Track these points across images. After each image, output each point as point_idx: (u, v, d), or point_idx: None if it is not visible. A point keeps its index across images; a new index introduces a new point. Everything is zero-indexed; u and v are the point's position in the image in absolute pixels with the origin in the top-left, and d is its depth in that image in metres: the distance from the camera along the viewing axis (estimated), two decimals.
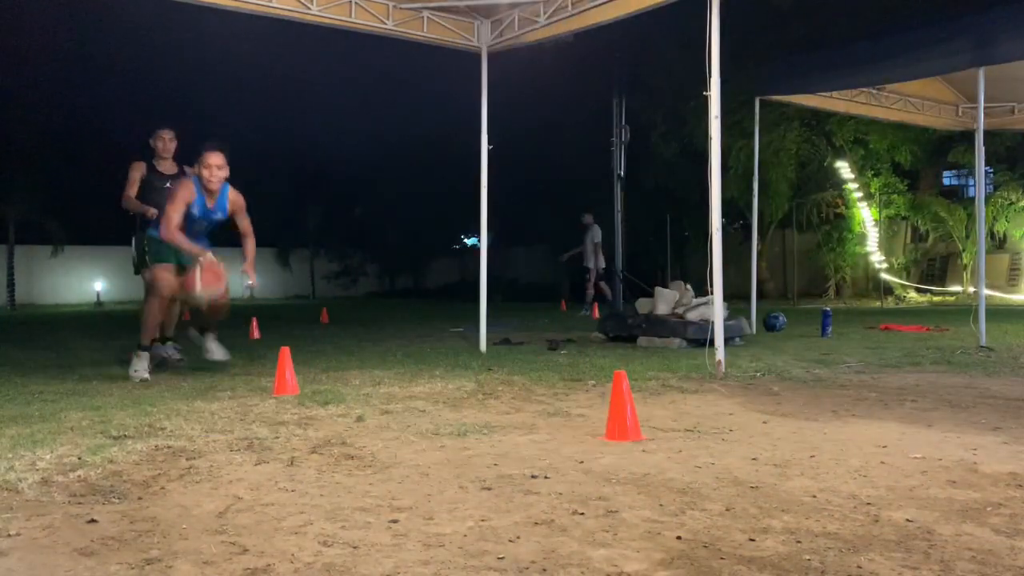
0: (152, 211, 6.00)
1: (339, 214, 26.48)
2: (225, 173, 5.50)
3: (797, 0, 17.13)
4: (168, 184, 6.13)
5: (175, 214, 5.35)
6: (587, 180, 18.81)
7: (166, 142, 6.40)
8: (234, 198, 5.68)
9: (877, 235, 19.11)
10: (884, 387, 4.93)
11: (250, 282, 5.63)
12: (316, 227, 26.21)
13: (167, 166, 6.40)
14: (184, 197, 5.42)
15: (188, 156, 6.13)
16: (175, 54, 21.03)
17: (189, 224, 5.46)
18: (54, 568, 1.97)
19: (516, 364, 6.24)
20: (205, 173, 5.43)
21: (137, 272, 6.19)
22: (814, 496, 2.51)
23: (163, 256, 5.60)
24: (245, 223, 5.73)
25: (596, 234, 13.64)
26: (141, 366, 5.52)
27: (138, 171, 6.28)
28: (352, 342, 8.61)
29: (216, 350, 5.79)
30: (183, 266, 5.52)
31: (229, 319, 5.86)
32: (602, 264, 13.62)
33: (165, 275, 5.55)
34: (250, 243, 5.72)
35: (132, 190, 6.23)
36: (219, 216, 5.66)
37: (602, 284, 13.48)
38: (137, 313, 6.06)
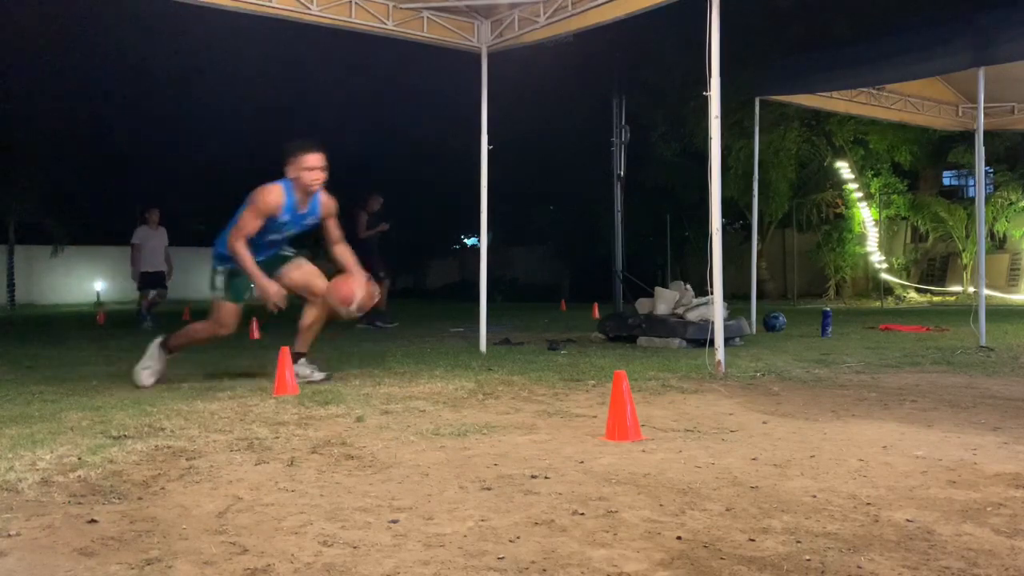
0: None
1: (338, 214, 26.48)
2: (325, 176, 5.07)
3: (797, 0, 17.14)
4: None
5: (252, 224, 4.88)
6: (587, 180, 18.83)
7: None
8: (326, 201, 5.23)
9: (877, 235, 19.12)
10: (884, 387, 4.93)
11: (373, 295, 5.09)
12: (316, 227, 26.19)
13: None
14: (268, 203, 4.91)
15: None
16: (175, 54, 21.03)
17: (276, 230, 5.04)
18: (54, 568, 1.97)
19: (516, 364, 6.24)
20: (305, 176, 4.98)
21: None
22: (814, 496, 2.51)
23: (238, 294, 5.13)
24: (336, 229, 5.30)
25: None
26: (154, 365, 5.21)
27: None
28: (352, 342, 8.61)
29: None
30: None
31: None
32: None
33: (231, 315, 5.13)
34: (344, 249, 5.25)
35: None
36: (310, 220, 5.20)
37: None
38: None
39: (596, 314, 11.58)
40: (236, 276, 5.06)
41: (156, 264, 11.59)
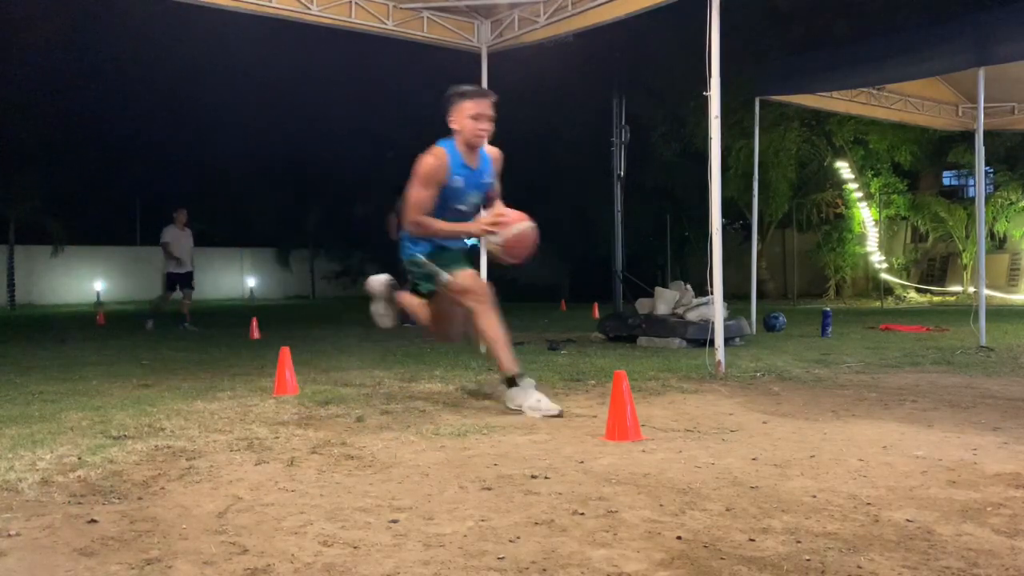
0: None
1: (339, 214, 26.50)
2: (491, 128, 4.13)
3: (797, 0, 17.14)
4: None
5: (422, 195, 3.99)
6: (587, 180, 18.83)
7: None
8: (494, 154, 4.30)
9: (877, 235, 19.13)
10: (884, 387, 4.93)
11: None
12: (316, 227, 26.20)
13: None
14: (428, 166, 4.01)
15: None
16: (175, 54, 21.03)
17: (456, 198, 4.12)
18: (54, 568, 1.97)
19: None
20: (468, 127, 4.06)
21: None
22: (814, 496, 2.51)
23: (446, 266, 4.13)
24: (497, 188, 4.38)
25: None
26: (531, 398, 4.01)
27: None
28: (352, 342, 8.61)
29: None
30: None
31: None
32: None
33: (468, 279, 4.12)
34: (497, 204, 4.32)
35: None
36: (487, 179, 4.24)
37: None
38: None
39: (596, 314, 11.58)
40: (429, 273, 4.16)
41: (184, 264, 11.66)
